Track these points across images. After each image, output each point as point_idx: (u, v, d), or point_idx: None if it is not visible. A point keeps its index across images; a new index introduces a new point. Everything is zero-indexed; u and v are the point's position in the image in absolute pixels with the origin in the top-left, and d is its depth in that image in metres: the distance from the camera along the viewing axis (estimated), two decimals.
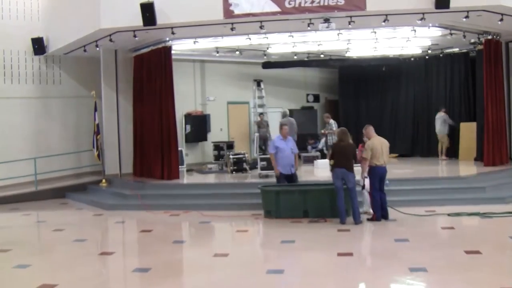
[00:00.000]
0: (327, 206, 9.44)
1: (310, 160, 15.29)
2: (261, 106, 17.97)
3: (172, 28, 11.30)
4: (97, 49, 12.93)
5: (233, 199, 11.07)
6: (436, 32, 12.71)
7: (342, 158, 9.06)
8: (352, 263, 6.88)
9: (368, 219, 9.12)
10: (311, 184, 10.66)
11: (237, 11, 10.65)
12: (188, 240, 9.08)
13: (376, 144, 9.03)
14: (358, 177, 9.29)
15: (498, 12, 10.87)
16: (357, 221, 8.94)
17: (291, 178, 10.28)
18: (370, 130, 9.29)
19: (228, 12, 10.68)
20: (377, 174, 9.03)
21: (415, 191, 10.95)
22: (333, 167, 9.21)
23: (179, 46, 13.50)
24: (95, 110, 13.66)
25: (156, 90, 12.93)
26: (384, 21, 10.79)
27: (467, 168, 13.44)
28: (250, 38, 12.48)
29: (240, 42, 13.32)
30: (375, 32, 12.48)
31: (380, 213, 9.04)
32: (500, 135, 13.25)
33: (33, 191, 13.31)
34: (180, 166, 13.50)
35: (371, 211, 9.37)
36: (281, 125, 10.70)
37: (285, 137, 10.34)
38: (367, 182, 9.16)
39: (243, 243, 8.60)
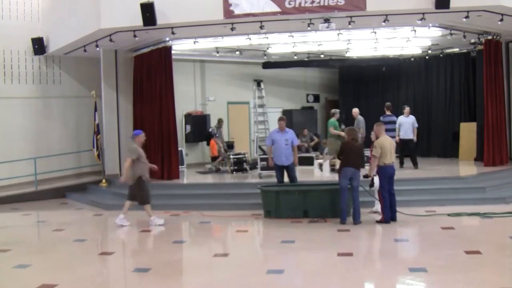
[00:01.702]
0: (327, 206, 9.45)
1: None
2: (261, 106, 17.98)
3: (172, 28, 11.30)
4: (97, 49, 12.93)
5: (233, 199, 11.07)
6: (436, 32, 12.71)
7: (353, 157, 9.03)
8: (352, 263, 6.88)
9: (377, 221, 9.02)
10: (311, 184, 10.66)
11: (237, 11, 10.65)
12: (188, 240, 9.07)
13: (386, 142, 9.03)
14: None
15: (498, 12, 10.87)
16: (356, 221, 8.94)
17: (286, 168, 10.36)
18: (381, 128, 9.26)
19: (228, 12, 10.68)
20: (386, 174, 8.99)
21: (415, 191, 10.96)
22: (341, 166, 9.14)
23: (179, 46, 13.51)
24: (95, 110, 13.68)
25: (156, 90, 12.94)
26: (384, 21, 10.79)
27: (467, 168, 13.44)
28: (250, 38, 12.49)
29: (240, 42, 13.32)
30: (375, 32, 12.48)
31: (389, 215, 8.94)
32: (500, 135, 13.25)
33: (33, 191, 13.32)
34: (180, 166, 13.50)
35: (379, 210, 9.40)
36: (278, 119, 10.69)
37: (282, 130, 10.42)
38: (376, 180, 9.15)
39: (243, 243, 8.60)
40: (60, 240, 8.80)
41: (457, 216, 9.35)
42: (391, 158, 9.00)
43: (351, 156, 9.02)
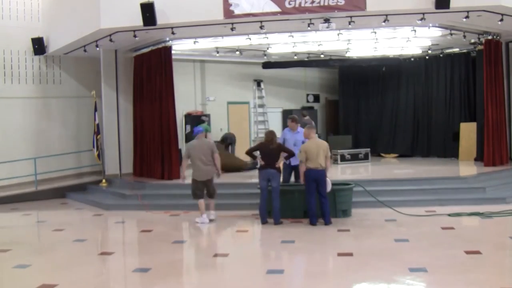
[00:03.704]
0: None
1: None
2: (261, 106, 17.99)
3: (172, 28, 11.30)
4: (97, 49, 12.93)
5: (233, 199, 11.06)
6: (436, 32, 12.71)
7: (267, 159, 9.20)
8: (352, 263, 6.87)
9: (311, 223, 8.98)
10: None
11: (237, 11, 10.65)
12: (188, 240, 9.07)
13: (311, 146, 8.90)
14: None
15: (498, 12, 10.87)
16: (276, 221, 9.06)
17: (294, 168, 10.35)
18: (310, 131, 9.16)
19: (228, 12, 10.68)
20: (310, 177, 8.84)
21: (415, 191, 10.95)
22: (259, 168, 9.38)
23: (179, 46, 13.51)
24: (95, 110, 13.68)
25: (156, 90, 12.94)
26: (384, 21, 10.79)
27: (467, 168, 13.44)
28: (250, 38, 12.49)
29: (240, 42, 13.32)
30: (375, 32, 12.48)
31: (315, 218, 8.87)
32: (500, 135, 13.25)
33: (33, 191, 13.31)
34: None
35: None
36: (288, 118, 10.65)
37: (294, 130, 10.36)
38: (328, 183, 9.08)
39: (243, 243, 8.60)
40: (60, 240, 8.80)
41: (457, 216, 9.35)
42: (316, 162, 8.81)
43: (265, 158, 9.22)
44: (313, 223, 8.91)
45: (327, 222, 8.91)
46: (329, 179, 9.07)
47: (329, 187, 9.03)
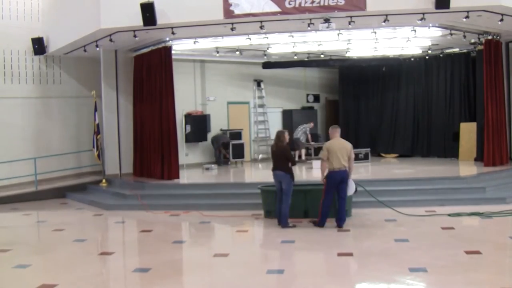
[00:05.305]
0: None
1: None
2: (261, 106, 17.99)
3: (172, 28, 11.31)
4: (97, 49, 12.94)
5: (233, 199, 11.07)
6: (436, 32, 12.71)
7: (274, 160, 9.15)
8: (352, 263, 6.88)
9: (313, 224, 8.92)
10: (311, 184, 10.65)
11: (237, 11, 10.66)
12: (188, 240, 9.07)
13: (334, 144, 8.72)
14: None
15: (498, 12, 10.87)
16: (281, 224, 8.92)
17: None
18: (334, 131, 8.94)
19: (228, 12, 10.69)
20: (334, 181, 8.67)
21: (415, 191, 10.96)
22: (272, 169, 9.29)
23: (179, 46, 13.51)
24: (95, 110, 13.68)
25: (156, 90, 12.94)
26: (384, 21, 10.79)
27: (467, 168, 13.45)
28: (250, 38, 12.49)
29: (240, 42, 13.33)
30: (375, 32, 12.48)
31: (325, 219, 8.74)
32: (500, 135, 13.26)
33: (33, 191, 13.31)
34: None
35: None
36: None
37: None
38: (351, 185, 8.91)
39: (243, 243, 8.60)
40: (60, 240, 8.80)
41: (457, 216, 9.35)
42: (340, 162, 8.59)
43: (273, 159, 9.18)
44: (322, 224, 8.76)
45: (341, 225, 8.74)
46: (352, 181, 8.90)
47: (351, 191, 8.87)
